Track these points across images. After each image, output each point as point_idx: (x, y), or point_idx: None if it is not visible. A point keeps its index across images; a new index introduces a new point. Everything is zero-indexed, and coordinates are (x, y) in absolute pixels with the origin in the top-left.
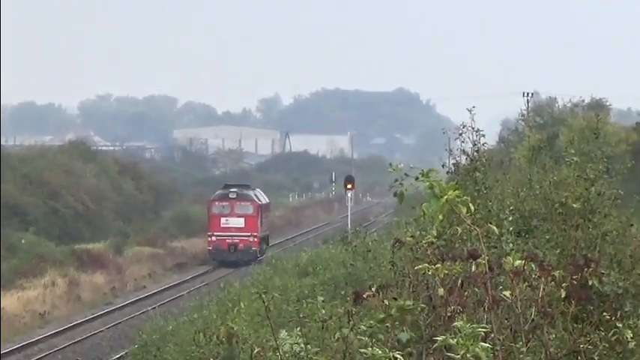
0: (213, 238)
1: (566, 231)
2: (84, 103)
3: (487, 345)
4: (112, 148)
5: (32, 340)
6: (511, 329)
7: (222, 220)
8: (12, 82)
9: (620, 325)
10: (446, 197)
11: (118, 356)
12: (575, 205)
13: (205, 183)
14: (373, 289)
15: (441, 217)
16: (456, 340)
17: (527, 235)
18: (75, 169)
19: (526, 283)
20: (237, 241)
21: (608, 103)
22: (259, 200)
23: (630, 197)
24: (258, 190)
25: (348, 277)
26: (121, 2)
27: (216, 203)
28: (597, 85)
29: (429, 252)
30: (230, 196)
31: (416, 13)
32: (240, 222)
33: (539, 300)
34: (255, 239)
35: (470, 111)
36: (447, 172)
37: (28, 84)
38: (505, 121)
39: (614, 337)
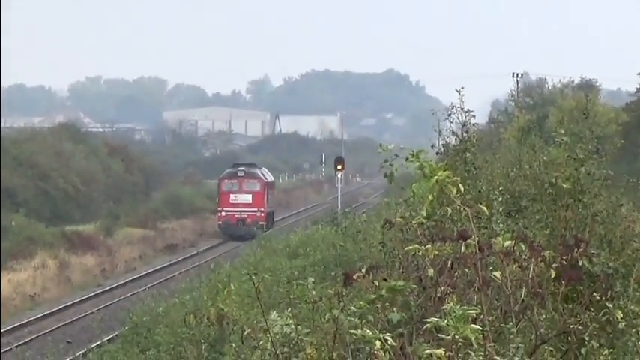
0: (223, 214)
1: (556, 211)
2: (74, 86)
3: (477, 327)
4: (101, 130)
5: (22, 322)
6: (501, 310)
7: (232, 196)
8: (2, 64)
9: (610, 305)
10: (436, 178)
11: (108, 338)
12: (564, 186)
13: (195, 165)
14: (363, 270)
15: (431, 197)
16: (446, 321)
17: (517, 216)
18: (65, 151)
19: (516, 264)
20: (245, 216)
21: (597, 84)
22: (265, 178)
23: (620, 177)
24: (264, 168)
25: (338, 259)
26: None
27: (226, 181)
28: (587, 66)
29: (419, 233)
30: (238, 174)
31: None
32: (248, 198)
33: (530, 280)
34: (262, 214)
35: (459, 92)
36: (437, 153)
37: (18, 66)
38: (495, 101)
39: (604, 318)
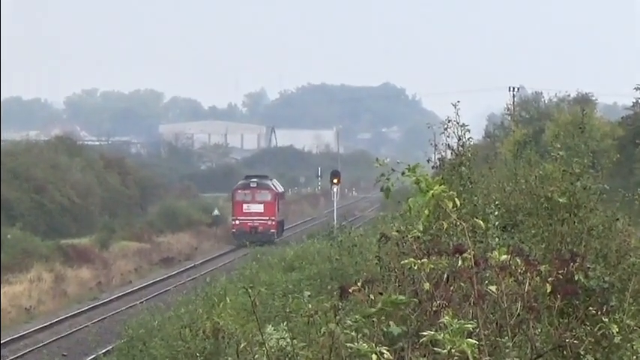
0: (237, 222)
1: (551, 225)
2: (70, 98)
3: (473, 341)
4: (97, 143)
5: (18, 335)
6: (497, 324)
7: (245, 206)
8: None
9: (606, 319)
10: (432, 192)
11: (104, 351)
12: (560, 200)
13: (191, 178)
14: (359, 284)
15: (427, 211)
16: (442, 335)
17: (512, 230)
18: (61, 164)
19: (512, 278)
20: (257, 224)
21: (593, 98)
22: (276, 189)
23: (616, 192)
24: (274, 180)
25: (333, 272)
26: None
27: (239, 191)
28: (583, 80)
29: (414, 247)
30: (251, 185)
31: (402, 8)
32: (259, 208)
33: (525, 295)
34: (273, 223)
35: (455, 106)
36: (433, 167)
37: (15, 79)
38: (491, 115)
39: (600, 332)
